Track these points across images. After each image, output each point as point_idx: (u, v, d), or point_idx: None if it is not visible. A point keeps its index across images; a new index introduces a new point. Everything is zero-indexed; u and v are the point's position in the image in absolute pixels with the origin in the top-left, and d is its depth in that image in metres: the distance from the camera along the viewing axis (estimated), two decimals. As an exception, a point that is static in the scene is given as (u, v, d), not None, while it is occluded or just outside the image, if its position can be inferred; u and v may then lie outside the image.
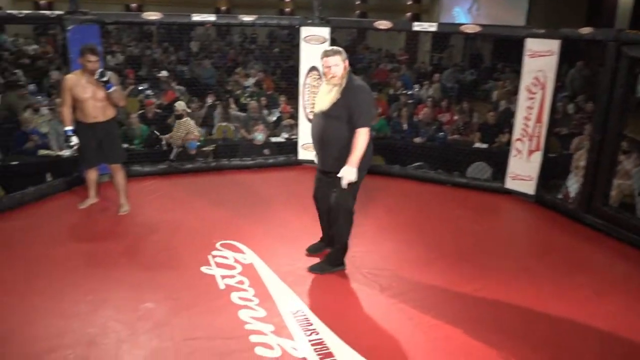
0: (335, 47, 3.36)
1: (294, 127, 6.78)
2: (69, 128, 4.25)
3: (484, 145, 6.60)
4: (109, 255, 3.78)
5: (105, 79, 4.07)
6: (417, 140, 6.78)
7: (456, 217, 4.80)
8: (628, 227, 4.31)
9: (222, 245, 3.96)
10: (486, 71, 11.79)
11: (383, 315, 3.18)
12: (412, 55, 13.30)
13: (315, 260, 3.73)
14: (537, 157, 5.10)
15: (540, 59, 4.91)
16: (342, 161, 3.29)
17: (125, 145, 5.49)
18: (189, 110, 6.90)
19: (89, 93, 4.17)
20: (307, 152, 5.72)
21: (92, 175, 4.58)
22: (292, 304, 3.24)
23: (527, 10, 13.37)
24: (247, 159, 6.01)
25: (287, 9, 20.18)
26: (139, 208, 4.62)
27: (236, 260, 3.74)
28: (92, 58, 4.10)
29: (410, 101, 8.28)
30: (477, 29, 5.41)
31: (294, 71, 6.08)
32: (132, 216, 4.48)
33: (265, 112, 7.80)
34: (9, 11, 4.85)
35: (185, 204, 4.79)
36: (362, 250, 3.92)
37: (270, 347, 2.82)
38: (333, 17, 5.87)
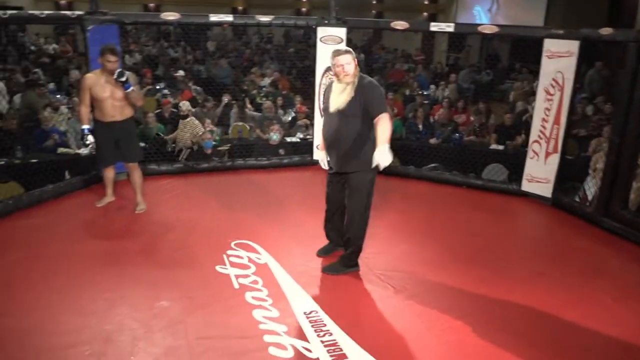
0: (345, 47, 3.38)
1: (309, 127, 6.80)
2: (85, 126, 4.32)
3: (500, 147, 6.54)
4: (125, 254, 3.83)
5: (123, 79, 4.12)
6: (433, 141, 6.74)
7: (471, 219, 4.77)
8: (647, 232, 4.25)
9: (236, 244, 3.99)
10: (503, 72, 11.69)
11: (396, 318, 3.17)
12: (428, 55, 13.24)
13: (328, 261, 3.74)
14: (555, 159, 5.04)
15: (559, 60, 4.86)
16: (358, 160, 3.32)
17: (142, 144, 5.54)
18: (193, 110, 6.90)
19: (107, 92, 4.23)
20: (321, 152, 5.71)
21: (109, 173, 4.64)
22: (305, 304, 3.25)
23: (546, 10, 13.22)
24: (263, 159, 6.04)
25: (304, 9, 20.20)
26: (155, 207, 4.67)
27: (250, 260, 3.77)
28: (112, 58, 4.15)
29: (425, 102, 8.24)
30: (494, 29, 5.37)
31: (310, 71, 6.10)
32: (149, 215, 4.53)
33: (280, 112, 7.83)
34: (30, 12, 4.91)
35: (200, 203, 4.83)
36: (376, 251, 3.91)
37: (283, 347, 2.84)
38: (349, 16, 5.88)
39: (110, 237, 4.11)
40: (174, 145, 6.47)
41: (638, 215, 4.51)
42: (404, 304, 3.32)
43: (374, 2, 20.50)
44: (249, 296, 3.30)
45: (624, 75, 4.39)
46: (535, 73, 5.26)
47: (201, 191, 5.17)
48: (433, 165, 6.22)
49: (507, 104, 8.60)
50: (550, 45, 4.92)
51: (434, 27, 5.62)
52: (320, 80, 5.76)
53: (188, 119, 6.50)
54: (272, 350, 2.81)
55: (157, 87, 8.90)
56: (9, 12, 4.38)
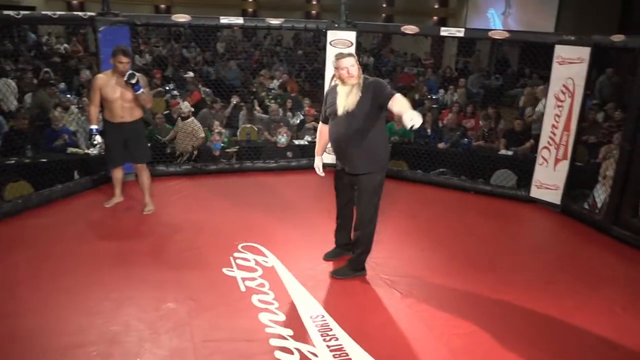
0: (347, 50, 3.42)
1: (317, 130, 6.78)
2: (94, 127, 4.34)
3: (509, 152, 6.51)
4: (133, 254, 3.85)
5: (133, 81, 4.14)
6: (441, 145, 6.72)
7: (479, 225, 4.75)
8: (657, 241, 4.21)
9: (243, 247, 3.99)
10: (513, 77, 11.63)
11: (402, 323, 3.16)
12: (437, 59, 13.20)
13: (336, 265, 3.73)
14: (564, 166, 5.02)
15: (570, 66, 4.84)
16: (369, 162, 3.36)
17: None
18: (192, 110, 6.88)
19: (117, 93, 4.25)
20: (330, 155, 5.71)
21: (117, 174, 4.66)
22: (312, 308, 3.24)
23: (557, 15, 13.17)
24: (270, 162, 6.05)
25: (313, 11, 20.24)
26: (163, 208, 4.69)
27: (257, 263, 3.77)
28: (124, 59, 4.18)
29: (434, 106, 8.22)
30: (505, 35, 5.35)
31: (319, 74, 6.10)
32: (157, 216, 4.54)
33: (289, 114, 7.84)
34: (43, 12, 4.95)
35: (208, 205, 4.84)
36: (383, 256, 3.90)
37: (289, 351, 2.83)
38: (359, 19, 5.89)
39: (118, 238, 4.13)
40: (172, 146, 6.43)
41: (648, 223, 4.48)
42: (410, 309, 3.30)
43: (384, 5, 20.51)
44: (255, 299, 3.31)
45: (635, 82, 4.36)
46: (545, 78, 5.22)
47: (209, 193, 5.18)
48: (441, 170, 6.20)
49: (517, 109, 8.56)
50: (561, 51, 4.89)
51: (444, 31, 5.61)
52: (329, 83, 5.76)
53: (189, 120, 6.45)
54: (278, 354, 2.80)
55: (167, 88, 8.94)
56: (22, 12, 4.41)
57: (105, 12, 4.99)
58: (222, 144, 6.32)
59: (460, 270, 3.83)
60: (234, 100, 7.75)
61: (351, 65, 3.30)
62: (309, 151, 6.33)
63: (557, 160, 5.06)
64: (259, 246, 4.02)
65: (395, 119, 6.22)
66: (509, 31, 5.53)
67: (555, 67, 4.96)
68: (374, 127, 3.36)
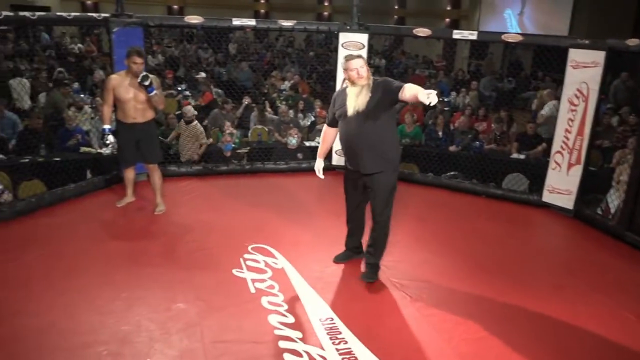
0: (356, 52, 3.44)
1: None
2: (107, 127, 4.38)
3: (522, 156, 6.46)
4: (144, 254, 3.87)
5: (147, 82, 4.17)
6: (453, 148, 6.69)
7: (490, 229, 4.72)
8: (672, 248, 4.15)
9: (253, 248, 4.00)
10: (525, 80, 11.55)
11: (412, 327, 3.14)
12: (449, 61, 13.15)
13: (347, 267, 3.72)
14: (577, 170, 4.97)
15: (584, 71, 4.79)
16: (382, 160, 3.37)
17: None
18: (196, 113, 6.75)
19: (130, 94, 4.28)
20: (341, 158, 5.72)
21: (129, 174, 4.69)
22: (321, 311, 3.24)
23: (571, 16, 13.06)
24: (281, 163, 6.06)
25: (325, 13, 20.27)
26: (174, 208, 4.71)
27: (267, 265, 3.77)
28: (138, 60, 4.21)
29: (446, 108, 8.18)
30: (518, 38, 5.31)
31: (330, 76, 6.10)
32: (168, 216, 4.57)
33: (300, 116, 7.85)
34: (58, 13, 5.01)
35: (219, 206, 4.86)
36: (393, 259, 3.89)
37: (298, 354, 2.83)
38: (371, 21, 5.88)
39: (129, 238, 4.16)
40: (176, 146, 6.38)
41: (663, 230, 4.42)
42: (420, 313, 3.29)
43: (396, 7, 20.47)
44: (264, 301, 3.31)
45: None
46: (558, 82, 5.18)
47: (220, 193, 5.20)
48: (452, 173, 6.17)
49: (529, 113, 8.49)
50: (575, 55, 4.85)
51: (457, 34, 5.57)
52: (341, 85, 5.75)
53: (193, 123, 6.33)
54: (287, 357, 2.80)
55: (179, 88, 8.99)
56: (38, 13, 4.46)
57: (119, 13, 5.03)
58: (233, 145, 6.34)
59: (470, 274, 3.81)
60: (246, 101, 7.77)
61: (360, 66, 3.33)
62: (319, 153, 6.32)
63: (570, 165, 5.01)
64: (268, 247, 4.02)
65: (410, 105, 6.20)
66: (522, 34, 5.50)
67: (569, 71, 4.91)
68: (385, 128, 3.38)
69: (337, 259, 3.86)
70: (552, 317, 3.31)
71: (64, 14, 4.76)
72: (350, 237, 3.85)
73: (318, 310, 3.25)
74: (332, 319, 3.15)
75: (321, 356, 2.83)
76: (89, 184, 5.08)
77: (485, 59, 12.75)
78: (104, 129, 4.40)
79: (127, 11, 5.10)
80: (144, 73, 4.20)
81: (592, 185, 5.13)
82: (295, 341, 2.94)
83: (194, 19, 5.33)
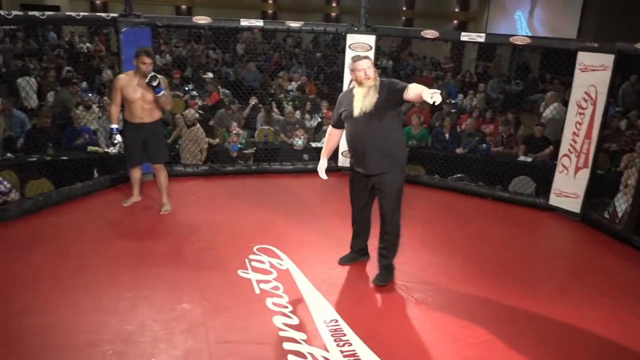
0: (363, 53, 3.44)
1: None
2: (114, 126, 4.40)
3: (529, 159, 6.43)
4: (150, 254, 3.89)
5: (155, 83, 4.18)
6: (459, 151, 6.67)
7: (496, 232, 4.70)
8: (680, 253, 4.12)
9: (259, 249, 4.01)
10: (533, 82, 11.50)
11: (417, 330, 3.14)
12: (457, 63, 13.11)
13: (352, 268, 3.72)
14: (585, 174, 4.93)
15: (593, 74, 4.76)
16: (389, 160, 3.37)
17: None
18: (197, 116, 6.65)
19: (138, 94, 4.30)
20: (346, 159, 5.72)
21: (136, 174, 4.71)
22: (326, 313, 3.24)
23: (580, 18, 13.00)
24: (287, 164, 6.06)
25: (333, 14, 20.27)
26: (181, 208, 4.73)
27: (272, 266, 3.78)
28: (147, 60, 4.23)
29: (453, 110, 8.15)
30: (526, 40, 5.28)
31: (337, 77, 6.10)
32: (174, 216, 4.58)
33: (307, 117, 7.85)
34: (67, 13, 5.04)
35: (225, 206, 4.87)
36: (398, 262, 3.86)
37: (303, 355, 2.83)
38: (378, 23, 5.88)
39: (136, 237, 4.18)
40: (177, 147, 6.33)
41: (671, 235, 4.38)
42: (425, 316, 3.28)
43: (404, 8, 20.44)
44: (269, 302, 3.31)
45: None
46: (566, 85, 5.15)
47: (226, 194, 5.22)
48: (459, 175, 6.15)
49: (537, 115, 8.45)
50: (583, 58, 4.82)
51: (465, 37, 5.55)
52: (348, 86, 5.75)
53: (195, 127, 6.27)
54: (292, 358, 2.80)
55: (186, 88, 9.02)
56: (47, 13, 4.49)
57: (128, 13, 5.06)
58: (239, 145, 6.35)
59: (475, 277, 3.80)
60: (253, 101, 7.79)
61: (368, 67, 3.34)
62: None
63: (577, 169, 4.98)
64: (274, 248, 4.03)
65: (417, 104, 6.17)
66: (530, 37, 5.48)
67: (577, 74, 4.88)
68: (391, 129, 3.39)
69: (342, 261, 3.85)
70: (557, 320, 3.30)
71: (73, 14, 4.79)
72: (355, 239, 3.85)
73: (322, 311, 3.25)
74: (337, 321, 3.15)
75: (325, 358, 2.83)
76: (96, 183, 5.11)
77: (493, 61, 12.71)
78: (111, 129, 4.42)
79: (135, 11, 5.13)
80: (152, 73, 4.21)
81: (600, 188, 5.10)
82: (300, 343, 2.94)
83: (201, 20, 5.35)
